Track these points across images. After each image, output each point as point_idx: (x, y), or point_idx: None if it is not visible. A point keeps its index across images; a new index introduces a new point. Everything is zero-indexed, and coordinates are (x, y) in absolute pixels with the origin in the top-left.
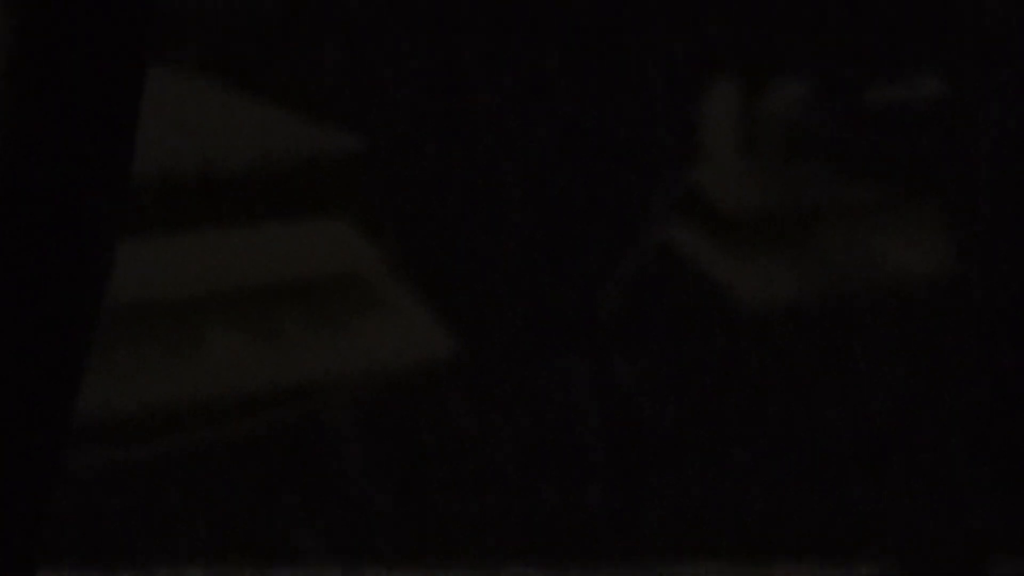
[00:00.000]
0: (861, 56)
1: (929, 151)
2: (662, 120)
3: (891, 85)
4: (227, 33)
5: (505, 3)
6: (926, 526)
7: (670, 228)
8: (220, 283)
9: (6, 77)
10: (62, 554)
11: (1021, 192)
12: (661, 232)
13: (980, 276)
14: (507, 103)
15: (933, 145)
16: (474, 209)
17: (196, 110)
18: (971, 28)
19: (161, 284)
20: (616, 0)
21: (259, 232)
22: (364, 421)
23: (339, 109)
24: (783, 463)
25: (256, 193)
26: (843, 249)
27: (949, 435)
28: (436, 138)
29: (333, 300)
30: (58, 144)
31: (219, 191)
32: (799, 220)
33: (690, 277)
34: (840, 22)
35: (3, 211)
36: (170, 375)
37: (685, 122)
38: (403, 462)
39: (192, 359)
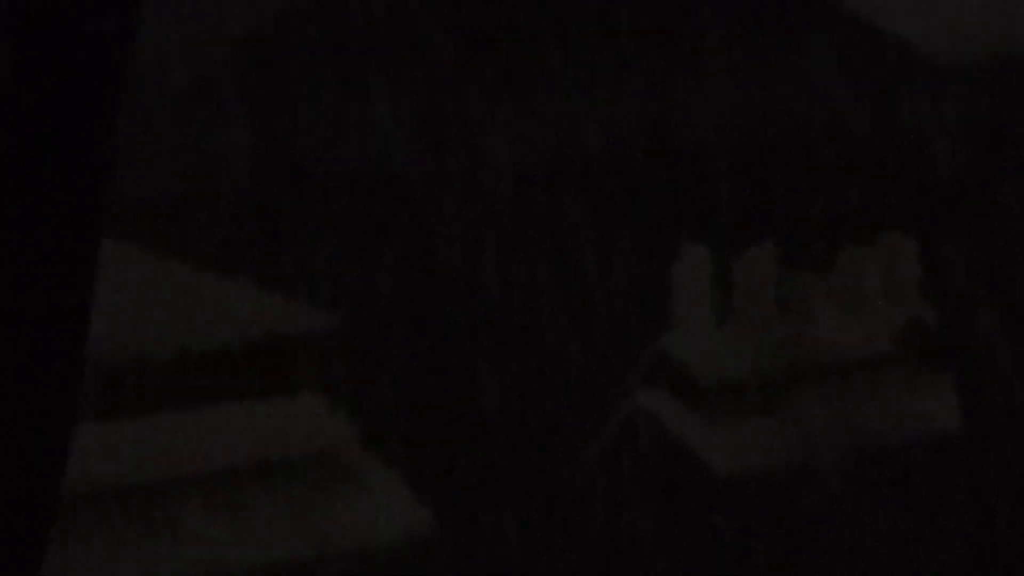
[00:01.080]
0: (831, 220)
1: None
2: (637, 289)
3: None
4: (198, 215)
5: (480, 188)
6: None
7: (645, 396)
8: (196, 464)
9: None
10: None
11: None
12: (636, 400)
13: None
14: (481, 278)
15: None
16: (446, 385)
17: (168, 291)
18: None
19: (137, 466)
20: (586, 172)
21: (233, 412)
22: None
23: (310, 288)
24: None
25: (230, 372)
26: (821, 414)
27: None
28: (407, 315)
29: (308, 477)
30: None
31: (193, 370)
32: (776, 386)
33: (666, 445)
34: (811, 187)
35: None
36: (147, 556)
37: (660, 290)
38: None
39: (169, 539)
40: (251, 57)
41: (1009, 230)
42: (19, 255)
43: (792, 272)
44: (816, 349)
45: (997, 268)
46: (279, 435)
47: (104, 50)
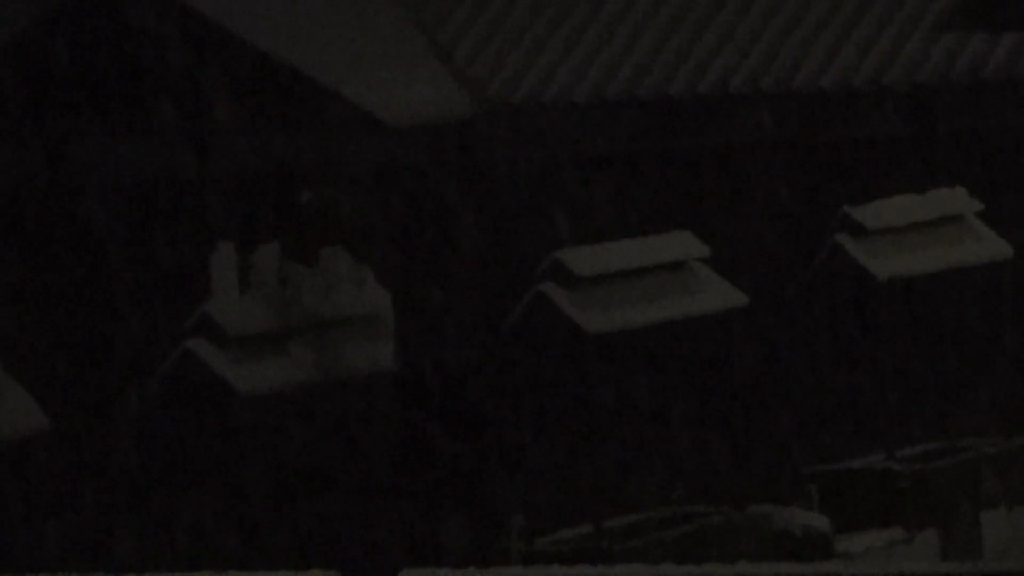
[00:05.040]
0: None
1: None
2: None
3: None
4: None
5: None
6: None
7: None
8: None
9: None
10: None
11: None
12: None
13: None
14: None
15: None
16: None
17: None
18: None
19: None
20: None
21: None
22: None
23: None
24: None
25: None
26: (310, 354)
27: None
28: None
29: None
30: None
31: None
32: (280, 335)
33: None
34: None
35: None
36: None
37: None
38: None
39: None
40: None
41: None
42: None
43: (289, 262)
44: (306, 310)
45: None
46: None
47: None
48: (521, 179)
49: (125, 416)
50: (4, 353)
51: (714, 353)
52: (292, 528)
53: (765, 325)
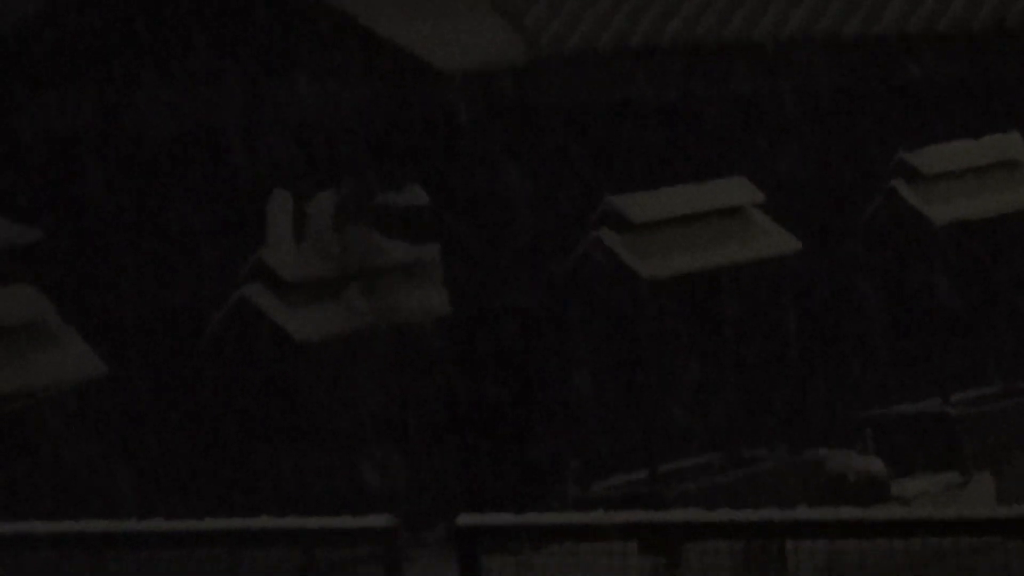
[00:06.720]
0: (373, 174)
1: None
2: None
3: (394, 193)
4: None
5: None
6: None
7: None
8: None
9: None
10: None
11: None
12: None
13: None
14: None
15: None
16: None
17: None
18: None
19: None
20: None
21: None
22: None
23: None
24: None
25: None
26: (364, 300)
27: None
28: None
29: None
30: None
31: None
32: (335, 282)
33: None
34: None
35: None
36: None
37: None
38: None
39: None
40: None
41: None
42: None
43: (345, 207)
44: (360, 258)
45: None
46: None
47: None
48: (575, 126)
49: (181, 362)
50: (61, 302)
51: (769, 299)
52: (348, 474)
53: (820, 271)
